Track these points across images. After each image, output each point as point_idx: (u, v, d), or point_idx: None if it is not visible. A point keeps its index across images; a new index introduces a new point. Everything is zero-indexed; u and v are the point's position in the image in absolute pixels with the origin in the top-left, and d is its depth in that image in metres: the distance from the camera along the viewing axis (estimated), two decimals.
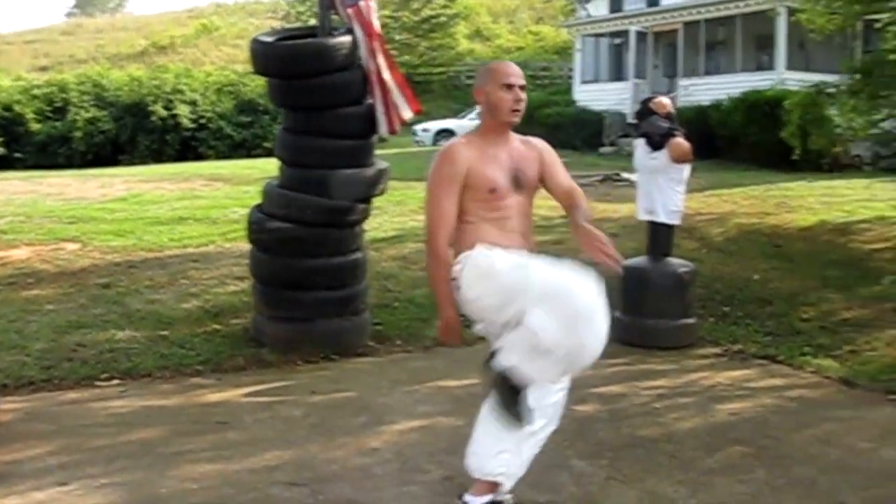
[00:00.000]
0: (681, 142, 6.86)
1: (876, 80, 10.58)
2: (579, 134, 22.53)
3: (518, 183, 3.79)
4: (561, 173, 3.97)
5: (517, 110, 3.77)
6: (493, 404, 3.65)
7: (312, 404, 5.58)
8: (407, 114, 6.66)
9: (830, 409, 5.77)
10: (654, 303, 7.02)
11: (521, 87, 3.79)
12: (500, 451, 3.76)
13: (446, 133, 30.04)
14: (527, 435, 3.76)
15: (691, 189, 13.80)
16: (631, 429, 5.15)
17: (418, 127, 30.96)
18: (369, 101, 6.65)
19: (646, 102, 7.14)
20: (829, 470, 4.67)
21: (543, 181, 3.92)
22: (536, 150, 3.95)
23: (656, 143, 6.89)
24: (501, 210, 3.75)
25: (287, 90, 6.70)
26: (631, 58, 24.83)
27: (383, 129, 6.68)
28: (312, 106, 6.61)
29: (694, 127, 18.53)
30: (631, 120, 19.32)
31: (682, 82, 23.24)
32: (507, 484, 3.83)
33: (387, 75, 6.57)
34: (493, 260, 3.59)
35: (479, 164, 3.71)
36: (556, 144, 16.69)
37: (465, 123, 30.54)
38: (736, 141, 18.61)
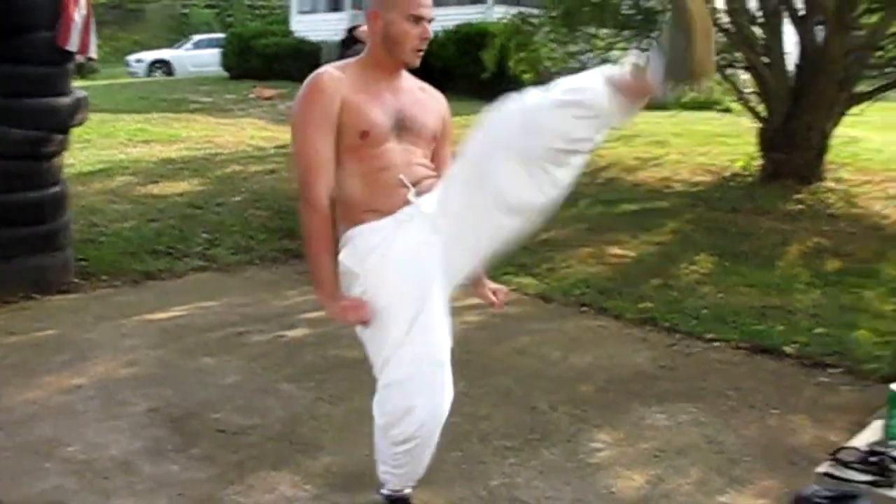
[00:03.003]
0: None
1: (573, 12, 11.17)
2: (297, 64, 22.32)
3: (403, 127, 3.00)
4: (446, 147, 3.24)
5: (422, 50, 2.99)
6: None
7: (10, 345, 5.32)
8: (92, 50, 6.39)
9: (528, 323, 6.15)
10: None
11: (430, 21, 2.99)
12: None
13: (161, 64, 29.02)
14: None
15: None
16: (338, 350, 5.27)
17: (132, 57, 29.73)
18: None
19: (351, 31, 7.20)
20: (523, 378, 5.01)
21: None
22: (439, 105, 3.21)
23: None
24: (375, 160, 2.96)
25: None
26: None
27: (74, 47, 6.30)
28: None
29: None
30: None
31: None
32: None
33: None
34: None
35: (353, 99, 2.92)
36: (274, 75, 16.64)
37: (181, 54, 29.62)
38: (450, 72, 19.03)
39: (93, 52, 6.39)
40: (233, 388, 4.75)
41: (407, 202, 2.95)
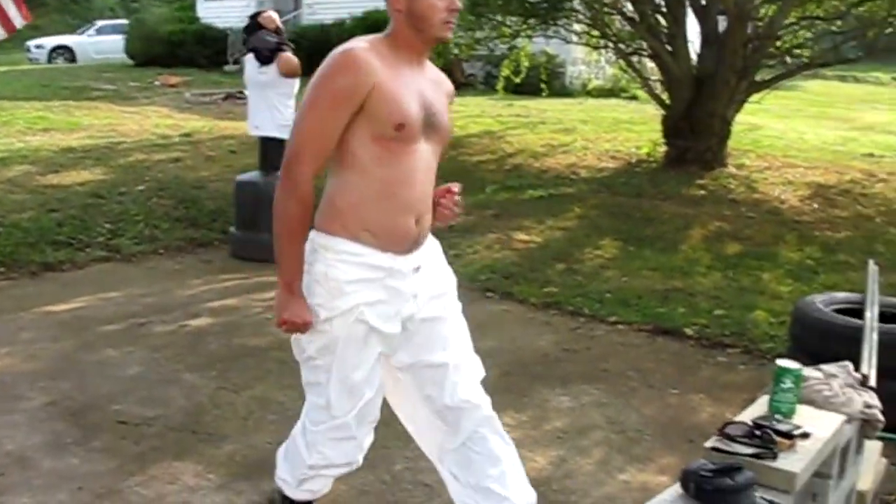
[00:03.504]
0: (290, 56, 6.93)
1: (480, 1, 11.21)
2: (203, 51, 22.05)
3: (431, 124, 2.71)
4: None
5: (451, 22, 2.69)
6: None
7: None
8: (19, 23, 6.24)
9: None
10: (268, 217, 7.04)
11: None
12: None
13: (63, 50, 28.29)
14: None
15: None
16: (242, 339, 5.25)
17: (32, 43, 28.86)
18: None
19: (254, 17, 7.11)
20: None
21: None
22: (449, 94, 2.91)
23: (265, 58, 6.91)
24: (402, 161, 2.67)
25: None
26: None
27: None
28: None
29: (317, 45, 18.80)
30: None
31: (307, 0, 23.31)
32: None
33: None
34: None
35: (389, 84, 2.60)
36: (180, 62, 16.28)
37: (84, 40, 28.91)
38: None
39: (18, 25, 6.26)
40: (134, 379, 4.68)
41: (408, 242, 2.75)
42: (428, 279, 2.85)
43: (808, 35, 11.64)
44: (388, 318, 2.76)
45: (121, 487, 3.55)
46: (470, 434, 2.88)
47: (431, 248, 2.92)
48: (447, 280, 2.96)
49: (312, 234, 2.75)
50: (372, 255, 2.71)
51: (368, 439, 2.99)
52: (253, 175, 7.35)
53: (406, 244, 2.75)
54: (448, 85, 2.91)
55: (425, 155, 2.72)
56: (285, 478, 3.06)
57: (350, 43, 2.66)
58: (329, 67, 2.61)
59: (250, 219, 7.17)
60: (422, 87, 2.71)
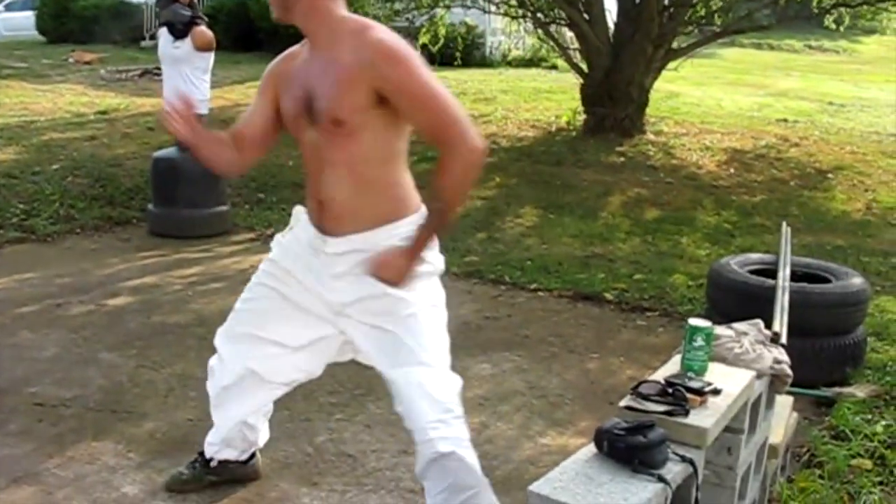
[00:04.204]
0: (204, 30, 6.81)
1: None
2: (118, 27, 21.56)
3: (312, 114, 2.61)
4: (415, 105, 2.58)
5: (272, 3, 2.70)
6: None
7: None
8: None
9: None
10: (186, 193, 7.02)
11: None
12: None
13: None
14: None
15: (232, 81, 13.93)
16: (162, 317, 5.18)
17: None
18: None
19: None
20: None
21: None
22: (355, 64, 2.52)
23: (179, 32, 6.78)
24: (304, 152, 2.75)
25: None
26: None
27: None
28: None
29: (236, 20, 18.57)
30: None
31: None
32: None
33: None
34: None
35: (281, 86, 2.74)
36: (95, 38, 15.81)
37: None
38: (276, 33, 18.73)
39: None
40: (51, 360, 4.60)
41: (314, 221, 2.79)
42: (352, 277, 2.73)
43: (722, 3, 11.81)
44: (287, 254, 2.91)
45: (38, 470, 3.49)
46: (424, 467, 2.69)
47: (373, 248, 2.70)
48: (391, 292, 2.71)
49: None
50: (305, 219, 2.86)
51: (233, 372, 3.20)
52: (170, 151, 7.22)
53: (314, 221, 2.81)
54: (362, 54, 2.51)
55: (315, 144, 2.65)
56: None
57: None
58: None
59: (168, 195, 7.07)
60: (307, 74, 2.62)
